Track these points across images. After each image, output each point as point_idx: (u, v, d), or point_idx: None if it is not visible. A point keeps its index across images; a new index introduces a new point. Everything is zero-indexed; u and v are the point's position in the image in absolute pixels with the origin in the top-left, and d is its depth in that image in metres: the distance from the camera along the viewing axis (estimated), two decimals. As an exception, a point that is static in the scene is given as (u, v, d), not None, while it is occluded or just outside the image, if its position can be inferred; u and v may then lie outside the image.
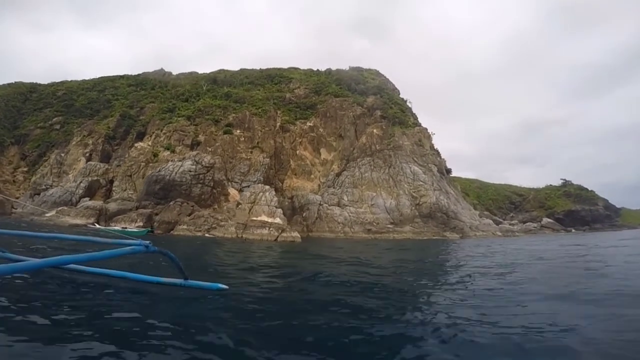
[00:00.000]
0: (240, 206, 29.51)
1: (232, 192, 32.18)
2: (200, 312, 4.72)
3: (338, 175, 41.15)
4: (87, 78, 73.28)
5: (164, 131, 40.86)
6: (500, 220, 64.66)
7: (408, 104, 65.07)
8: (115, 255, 4.31)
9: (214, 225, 26.00)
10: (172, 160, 32.64)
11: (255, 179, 34.06)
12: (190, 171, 30.05)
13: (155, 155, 36.90)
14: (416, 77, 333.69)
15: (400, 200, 37.61)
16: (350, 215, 35.48)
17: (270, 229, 26.11)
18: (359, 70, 67.27)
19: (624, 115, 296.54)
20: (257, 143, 38.95)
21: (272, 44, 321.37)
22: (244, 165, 35.40)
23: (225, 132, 39.46)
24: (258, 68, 71.16)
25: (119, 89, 64.33)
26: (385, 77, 67.20)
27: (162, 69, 76.34)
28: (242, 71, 69.04)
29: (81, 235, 4.54)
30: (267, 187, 32.09)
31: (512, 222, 66.82)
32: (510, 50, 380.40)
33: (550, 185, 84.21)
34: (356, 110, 49.52)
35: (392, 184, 39.25)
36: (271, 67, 69.78)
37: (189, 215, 26.80)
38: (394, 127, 47.35)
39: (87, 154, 44.50)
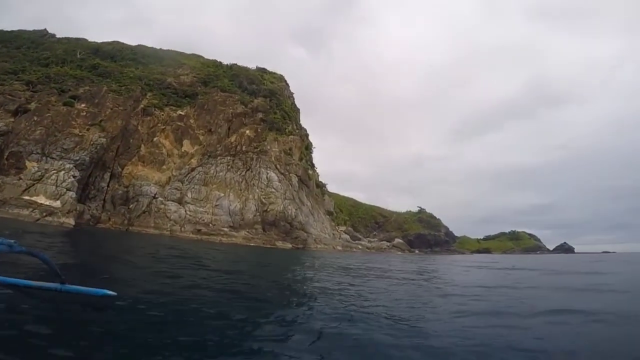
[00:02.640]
0: (18, 182, 26.16)
1: (31, 166, 28.48)
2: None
3: (192, 170, 39.31)
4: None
5: (-11, 91, 35.23)
6: (360, 237, 69.00)
7: (301, 114, 66.70)
8: None
9: (-41, 198, 22.54)
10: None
11: (78, 158, 30.65)
12: (-36, 135, 26.05)
13: (-37, 114, 31.43)
14: (339, 94, 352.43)
15: (247, 204, 37.06)
16: (187, 214, 33.84)
17: (34, 210, 23.36)
18: (263, 71, 66.50)
19: (484, 159, 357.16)
20: (100, 121, 35.43)
21: (207, 28, 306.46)
22: (70, 142, 31.69)
23: (65, 104, 35.29)
24: (159, 47, 67.07)
25: (-26, 42, 54.86)
26: (286, 83, 67.41)
27: (44, 30, 67.15)
28: (138, 47, 63.76)
29: None
30: (70, 166, 29.09)
31: (372, 239, 71.96)
32: (421, 85, 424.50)
33: (410, 210, 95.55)
34: (237, 108, 48.32)
35: (243, 187, 38.60)
36: (182, 51, 66.32)
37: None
38: (269, 132, 47.15)
39: None
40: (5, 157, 27.58)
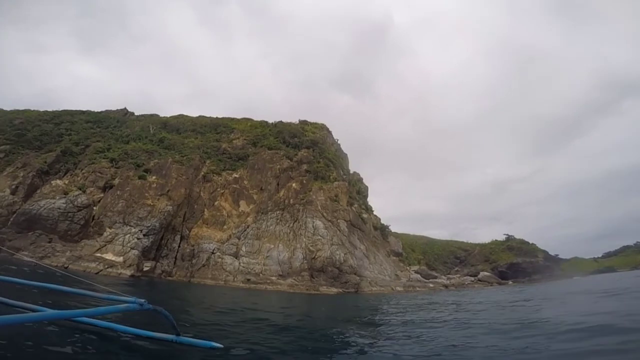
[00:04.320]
0: (94, 243, 31.94)
1: (110, 231, 34.22)
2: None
3: (248, 227, 43.04)
4: (70, 108, 75.67)
5: (83, 171, 43.21)
6: (436, 274, 66.38)
7: (350, 158, 69.60)
8: (110, 312, 4.39)
9: (48, 255, 28.29)
10: (51, 198, 35.11)
11: (150, 225, 35.88)
12: (59, 208, 33.88)
13: (66, 194, 38.79)
14: (395, 134, 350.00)
15: (295, 253, 39.33)
16: (240, 266, 36.98)
17: (99, 264, 29.02)
18: (304, 123, 71.50)
19: (579, 168, 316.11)
20: (168, 191, 41.16)
21: (258, 92, 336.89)
22: (144, 211, 37.34)
23: (139, 177, 41.85)
24: (215, 116, 75.85)
25: (76, 124, 66.87)
26: (328, 131, 71.55)
27: (125, 109, 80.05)
28: (198, 118, 72.96)
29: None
30: (135, 230, 34.37)
31: (452, 276, 68.85)
32: (478, 104, 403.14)
33: (496, 240, 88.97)
34: (284, 163, 52.48)
35: (291, 238, 41.16)
36: (239, 116, 74.54)
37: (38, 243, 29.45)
38: (314, 181, 50.17)
39: (14, 187, 46.13)
40: (90, 225, 34.14)
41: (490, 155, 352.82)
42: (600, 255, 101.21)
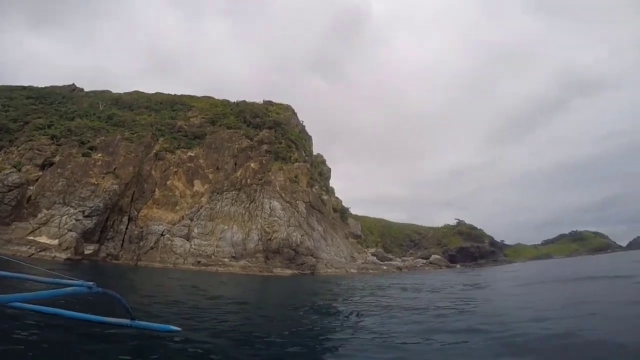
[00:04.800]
0: (27, 225, 29.94)
1: (46, 213, 32.04)
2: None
3: (201, 207, 41.75)
4: (22, 83, 69.27)
5: (19, 148, 39.85)
6: (391, 257, 68.17)
7: (320, 142, 69.04)
8: (55, 295, 4.05)
9: (-31, 239, 26.67)
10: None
11: (93, 205, 33.84)
12: (-14, 188, 30.66)
13: (-1, 172, 35.71)
14: (365, 120, 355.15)
15: (250, 234, 38.77)
16: (191, 247, 35.98)
17: (31, 247, 27.29)
18: (269, 103, 69.69)
19: (529, 160, 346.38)
20: (114, 169, 38.87)
21: (226, 72, 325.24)
22: (87, 191, 35.08)
23: (83, 155, 39.18)
24: (174, 93, 72.04)
25: (15, 100, 61.35)
26: (293, 113, 70.21)
27: (73, 84, 74.21)
28: (155, 95, 69.00)
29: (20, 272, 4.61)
30: (74, 211, 32.41)
31: (407, 258, 71.05)
32: (445, 96, 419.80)
33: (448, 224, 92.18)
34: (243, 142, 51.01)
35: (247, 219, 40.47)
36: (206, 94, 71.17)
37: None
38: (275, 162, 49.25)
39: (-61, 166, 42.01)
40: (25, 206, 31.58)
41: (452, 144, 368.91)
42: (539, 243, 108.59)
